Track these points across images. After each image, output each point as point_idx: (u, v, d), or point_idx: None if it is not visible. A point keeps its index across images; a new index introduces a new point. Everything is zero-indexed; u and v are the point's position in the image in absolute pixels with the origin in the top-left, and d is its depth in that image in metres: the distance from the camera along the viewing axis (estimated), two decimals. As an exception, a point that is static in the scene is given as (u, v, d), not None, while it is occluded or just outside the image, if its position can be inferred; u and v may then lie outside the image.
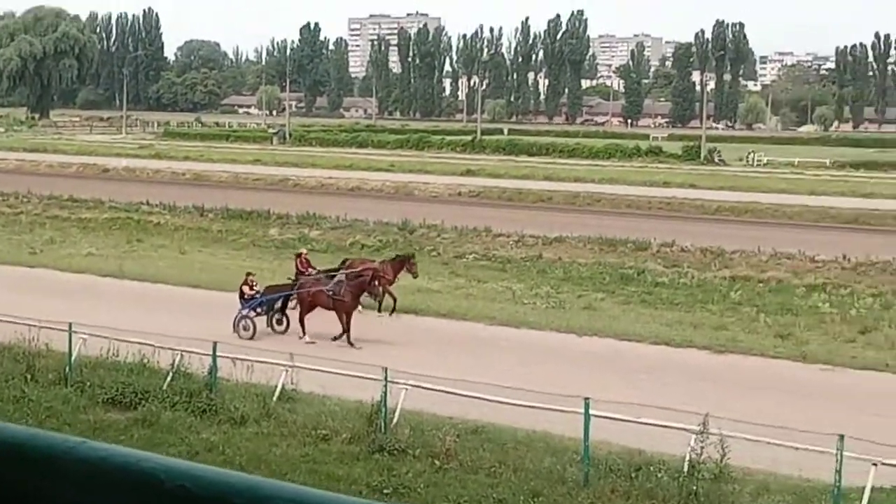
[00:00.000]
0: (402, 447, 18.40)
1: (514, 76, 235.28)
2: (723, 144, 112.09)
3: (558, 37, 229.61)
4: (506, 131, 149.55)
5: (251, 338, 26.60)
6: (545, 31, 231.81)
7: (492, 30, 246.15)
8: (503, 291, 34.14)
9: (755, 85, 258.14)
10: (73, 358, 22.34)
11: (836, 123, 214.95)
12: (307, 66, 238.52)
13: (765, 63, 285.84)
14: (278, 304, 28.05)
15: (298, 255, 31.33)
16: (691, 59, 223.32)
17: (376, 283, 27.77)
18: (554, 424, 18.82)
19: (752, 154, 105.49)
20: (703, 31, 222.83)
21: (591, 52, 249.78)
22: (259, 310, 27.74)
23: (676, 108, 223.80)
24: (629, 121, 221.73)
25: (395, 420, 19.44)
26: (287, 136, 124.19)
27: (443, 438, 18.46)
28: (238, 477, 1.21)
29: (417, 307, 30.79)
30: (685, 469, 17.05)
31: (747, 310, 31.80)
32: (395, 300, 30.17)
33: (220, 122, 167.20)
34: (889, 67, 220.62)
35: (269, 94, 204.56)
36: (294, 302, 27.96)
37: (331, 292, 27.01)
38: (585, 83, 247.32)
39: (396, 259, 31.70)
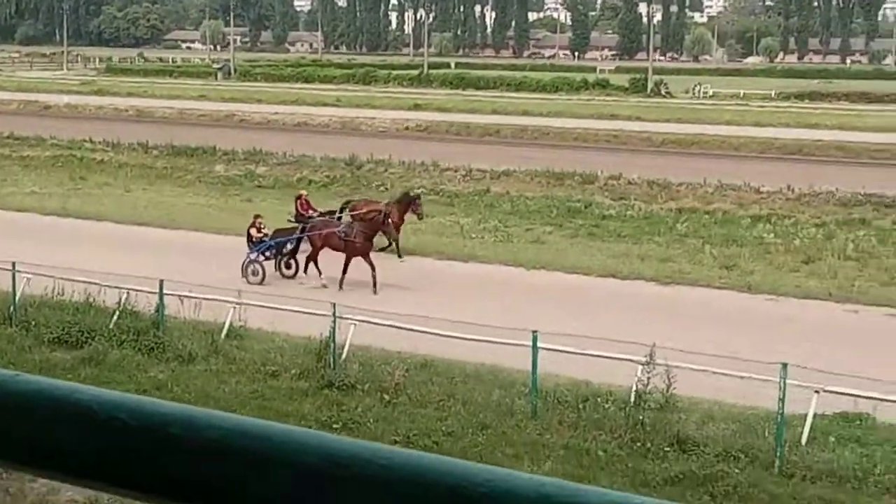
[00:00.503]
0: (351, 382, 18.47)
1: (461, 9, 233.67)
2: (669, 77, 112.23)
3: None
4: (453, 65, 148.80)
5: (261, 282, 25.77)
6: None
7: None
8: (451, 226, 34.17)
9: (701, 16, 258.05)
10: (16, 298, 22.12)
11: (781, 55, 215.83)
12: (252, 0, 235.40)
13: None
14: (288, 248, 27.14)
15: (298, 197, 29.97)
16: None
17: (390, 223, 26.98)
18: (503, 358, 18.93)
19: (698, 86, 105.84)
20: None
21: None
22: (268, 253, 26.88)
23: (623, 41, 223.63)
24: (576, 53, 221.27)
25: (343, 356, 19.49)
26: (232, 71, 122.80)
27: (392, 373, 18.55)
28: (173, 407, 1.21)
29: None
30: (632, 399, 17.26)
31: (693, 241, 32.07)
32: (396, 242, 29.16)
33: (164, 57, 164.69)
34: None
35: (213, 29, 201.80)
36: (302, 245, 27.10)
37: (343, 234, 26.27)
38: (532, 16, 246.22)
39: (402, 199, 30.43)
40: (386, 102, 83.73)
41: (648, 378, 17.20)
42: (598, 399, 17.63)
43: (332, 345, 19.30)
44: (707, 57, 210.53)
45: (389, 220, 26.92)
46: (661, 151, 56.46)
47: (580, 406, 17.40)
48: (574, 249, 31.11)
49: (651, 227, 34.21)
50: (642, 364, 17.35)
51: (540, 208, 37.63)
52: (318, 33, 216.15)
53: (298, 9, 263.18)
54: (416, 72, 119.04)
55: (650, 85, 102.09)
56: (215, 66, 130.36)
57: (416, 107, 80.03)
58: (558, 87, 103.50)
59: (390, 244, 28.92)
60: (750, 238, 32.62)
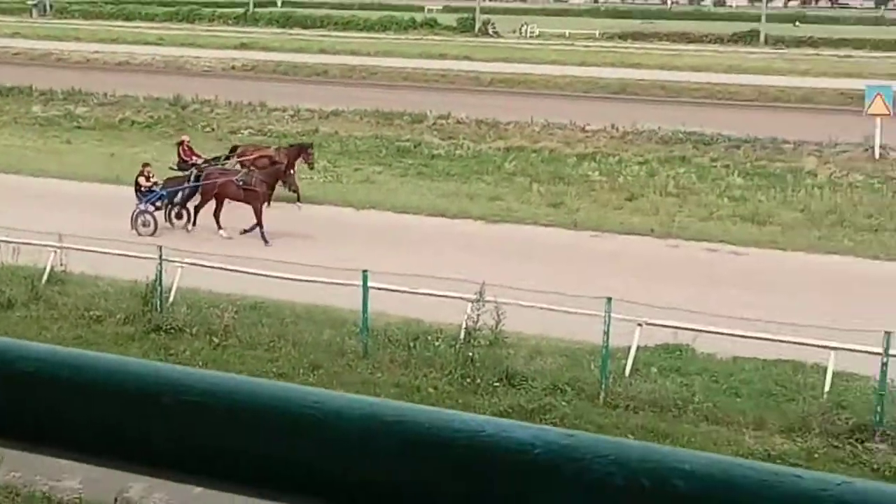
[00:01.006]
0: (178, 326, 18.21)
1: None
2: (496, 16, 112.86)
3: None
4: (279, 3, 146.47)
5: (152, 234, 24.56)
6: None
7: None
8: (279, 167, 33.84)
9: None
10: None
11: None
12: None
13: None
14: (178, 197, 25.91)
15: (180, 143, 28.79)
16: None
17: (292, 171, 26.08)
18: (334, 299, 18.92)
19: (524, 26, 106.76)
20: None
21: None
22: (158, 203, 25.62)
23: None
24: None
25: (171, 299, 19.17)
26: (48, 7, 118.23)
27: (221, 315, 18.35)
28: None
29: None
30: (462, 337, 17.48)
31: (521, 180, 32.52)
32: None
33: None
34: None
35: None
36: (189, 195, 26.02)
37: (241, 182, 25.13)
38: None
39: (293, 147, 29.34)
40: (211, 41, 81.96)
41: (478, 315, 17.43)
42: (429, 337, 17.81)
43: (158, 288, 18.95)
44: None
45: (293, 168, 26.17)
46: (489, 91, 56.87)
47: (411, 344, 17.54)
48: (404, 189, 31.19)
49: (480, 167, 34.53)
50: (472, 301, 17.55)
51: (369, 148, 37.56)
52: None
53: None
54: (241, 10, 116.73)
55: (478, 25, 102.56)
56: (30, 2, 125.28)
57: (242, 46, 78.53)
58: (386, 26, 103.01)
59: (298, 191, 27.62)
60: (576, 176, 33.24)
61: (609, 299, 16.40)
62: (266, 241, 24.25)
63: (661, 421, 15.27)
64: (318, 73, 63.18)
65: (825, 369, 15.98)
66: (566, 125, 41.71)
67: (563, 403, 15.71)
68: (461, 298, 17.79)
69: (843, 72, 64.40)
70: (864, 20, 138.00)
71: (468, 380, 16.46)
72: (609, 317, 16.31)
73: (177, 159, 28.25)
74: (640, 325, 16.87)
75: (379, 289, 17.98)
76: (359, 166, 34.40)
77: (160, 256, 19.12)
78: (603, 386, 16.02)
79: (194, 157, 28.17)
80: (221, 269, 19.50)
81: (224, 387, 1.11)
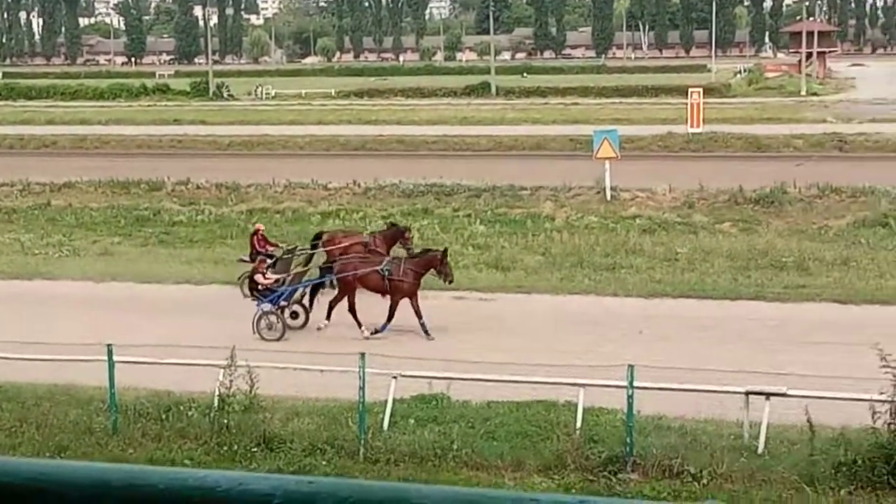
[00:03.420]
0: None
1: (5, 15, 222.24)
2: (230, 79, 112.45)
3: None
4: (0, 74, 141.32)
5: (279, 338, 21.89)
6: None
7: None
8: (11, 243, 32.48)
9: (258, 18, 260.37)
10: None
11: (338, 54, 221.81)
12: None
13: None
14: (300, 293, 23.35)
15: (254, 233, 26.45)
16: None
17: (447, 260, 22.92)
18: (78, 375, 18.22)
19: (259, 87, 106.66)
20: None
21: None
22: (285, 302, 22.85)
23: (181, 45, 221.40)
24: (133, 59, 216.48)
25: None
26: None
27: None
28: None
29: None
30: (215, 404, 17.12)
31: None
32: None
33: None
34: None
35: None
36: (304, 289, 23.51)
37: (387, 272, 22.53)
38: (84, 21, 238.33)
39: (388, 230, 26.63)
40: (-72, 117, 78.07)
41: (231, 380, 17.11)
42: (182, 407, 17.36)
43: None
44: (266, 58, 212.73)
45: (446, 257, 22.99)
46: (228, 154, 56.37)
47: (163, 416, 17.06)
48: (145, 258, 30.46)
49: (223, 231, 34.14)
50: (223, 367, 17.23)
51: (106, 219, 36.53)
52: None
53: None
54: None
55: (212, 88, 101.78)
56: None
57: (-37, 120, 75.23)
58: (116, 94, 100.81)
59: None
60: (321, 234, 33.27)
61: (362, 354, 16.43)
62: (427, 334, 21.93)
63: (421, 471, 15.36)
64: (47, 145, 61.10)
65: (576, 406, 16.45)
66: (308, 184, 41.76)
67: (324, 463, 15.60)
68: (211, 365, 17.44)
69: (571, 118, 67.21)
70: (586, 69, 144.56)
71: (225, 447, 16.14)
72: (363, 372, 16.33)
73: (249, 250, 26.17)
74: (394, 377, 16.96)
75: (125, 362, 17.42)
76: (97, 238, 33.40)
77: None
78: (362, 442, 16.00)
79: (269, 247, 25.96)
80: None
81: None
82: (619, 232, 32.48)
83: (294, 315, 23.09)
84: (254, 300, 22.66)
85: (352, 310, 22.37)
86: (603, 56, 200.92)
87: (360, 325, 22.21)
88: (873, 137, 52.10)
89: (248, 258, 25.74)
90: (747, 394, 15.88)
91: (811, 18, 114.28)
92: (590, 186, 38.73)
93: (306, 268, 24.71)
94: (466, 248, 30.88)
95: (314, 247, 26.20)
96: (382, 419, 16.70)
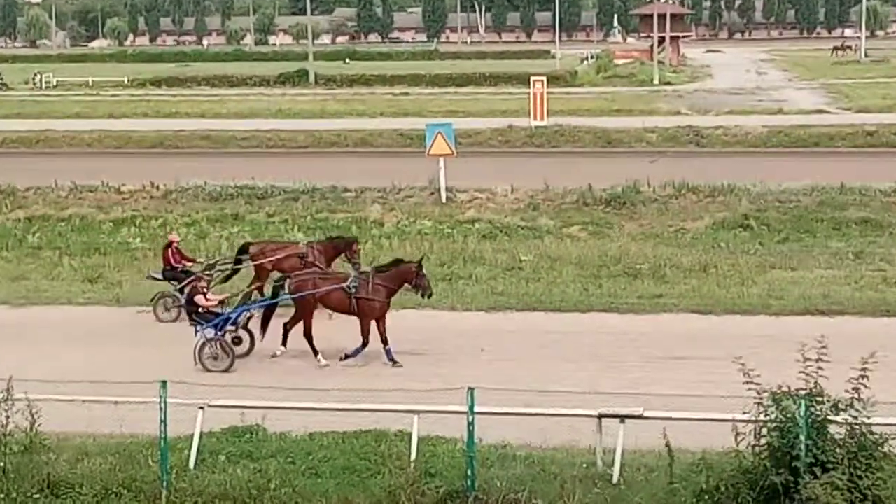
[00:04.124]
0: None
1: None
2: (4, 65, 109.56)
3: None
4: None
5: (227, 368, 21.33)
6: None
7: None
8: None
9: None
10: None
11: (130, 37, 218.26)
12: None
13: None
14: (245, 317, 22.53)
15: (168, 246, 25.53)
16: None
17: (423, 272, 22.33)
18: None
19: (38, 75, 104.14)
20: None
21: None
22: (232, 326, 22.08)
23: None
24: None
25: None
26: None
27: None
28: None
29: None
30: (-10, 445, 16.58)
31: (49, 254, 31.62)
32: None
33: None
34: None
35: None
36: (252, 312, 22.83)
37: (352, 289, 21.92)
38: None
39: (330, 242, 26.12)
40: None
41: (7, 417, 16.57)
42: (-52, 450, 16.73)
43: None
44: (46, 42, 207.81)
45: (422, 269, 22.45)
46: (1, 153, 54.80)
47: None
48: None
49: (-6, 242, 33.20)
50: (-1, 402, 16.67)
51: None
52: None
53: None
54: None
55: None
56: None
57: None
58: None
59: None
60: (114, 245, 32.71)
61: (164, 383, 16.11)
62: (394, 362, 21.59)
63: (237, 515, 15.18)
64: None
65: (410, 435, 16.48)
66: (98, 187, 40.90)
67: (121, 510, 15.27)
68: (-15, 399, 16.86)
69: (400, 110, 67.55)
70: (417, 54, 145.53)
71: (2, 495, 15.63)
72: (165, 403, 16.02)
73: (162, 265, 25.26)
74: (201, 408, 16.71)
75: None
76: None
77: None
78: (165, 483, 15.71)
79: (185, 262, 25.31)
80: None
81: None
82: (455, 238, 32.71)
83: (237, 340, 22.36)
84: (192, 325, 22.00)
85: (308, 334, 21.90)
86: (435, 40, 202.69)
87: (315, 352, 21.83)
88: (731, 130, 53.74)
89: (159, 275, 25.34)
90: (600, 417, 16.14)
91: (663, 0, 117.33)
92: (422, 187, 38.95)
93: (252, 287, 24.42)
94: (283, 258, 30.72)
95: (238, 261, 25.87)
96: (188, 456, 16.43)
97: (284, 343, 22.21)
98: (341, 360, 21.88)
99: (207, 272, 24.91)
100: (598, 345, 22.26)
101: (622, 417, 16.07)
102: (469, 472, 15.48)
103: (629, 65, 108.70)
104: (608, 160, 47.12)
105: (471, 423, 15.56)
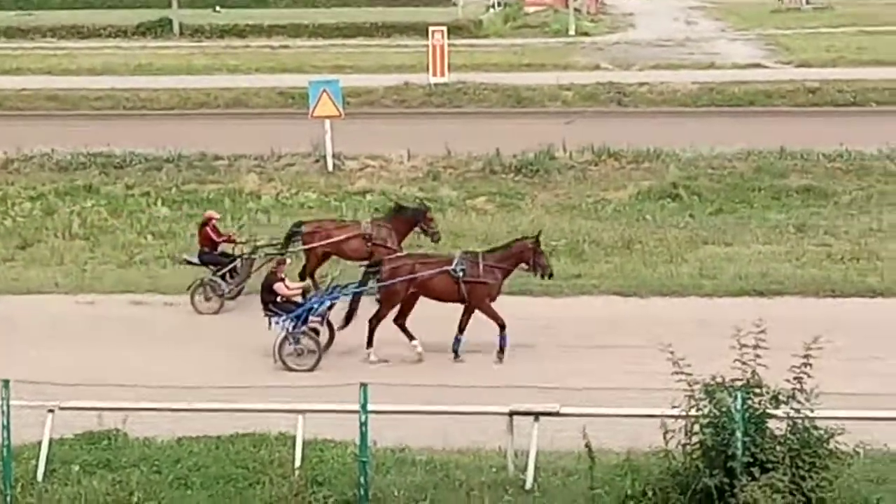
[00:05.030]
0: None
1: None
2: None
3: None
4: None
5: (313, 367, 21.28)
6: None
7: None
8: None
9: None
10: None
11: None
12: None
13: None
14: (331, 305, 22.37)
15: (205, 223, 25.32)
16: None
17: (541, 249, 22.34)
18: None
19: None
20: None
21: None
22: (317, 318, 21.99)
23: None
24: None
25: None
26: None
27: None
28: None
29: None
30: None
31: None
32: None
33: None
34: None
35: None
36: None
37: (461, 273, 21.75)
38: None
39: (399, 214, 25.97)
40: None
41: None
42: None
43: None
44: None
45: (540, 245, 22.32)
46: None
47: None
48: None
49: None
50: None
51: None
52: None
53: None
54: None
55: None
56: None
57: None
58: None
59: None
60: (-58, 223, 32.22)
61: (6, 382, 15.90)
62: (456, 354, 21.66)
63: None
64: None
65: (294, 439, 16.43)
66: (-79, 158, 40.11)
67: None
68: None
69: (279, 66, 67.09)
70: (298, 2, 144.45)
71: None
72: (8, 405, 15.82)
73: (200, 245, 25.11)
74: (51, 411, 16.53)
75: None
76: None
77: None
78: (9, 498, 15.54)
79: (223, 242, 25.22)
80: None
81: None
82: (344, 212, 32.66)
83: (314, 332, 22.23)
84: (267, 316, 21.93)
85: (401, 322, 21.98)
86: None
87: (411, 338, 21.90)
88: (657, 88, 54.08)
89: (194, 258, 25.28)
90: (511, 415, 16.23)
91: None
92: (306, 154, 38.78)
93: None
94: (144, 236, 30.59)
95: (287, 242, 25.50)
96: (36, 466, 16.25)
97: (370, 342, 21.93)
98: (498, 355, 21.70)
99: (251, 255, 24.90)
100: (508, 332, 22.34)
101: (536, 415, 16.17)
102: (362, 480, 15.49)
103: (541, 13, 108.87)
104: (518, 122, 47.22)
105: (363, 424, 15.56)
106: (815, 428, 14.44)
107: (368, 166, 37.98)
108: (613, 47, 78.20)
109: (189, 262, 25.63)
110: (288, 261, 23.43)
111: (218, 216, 26.56)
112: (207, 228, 25.31)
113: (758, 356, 14.55)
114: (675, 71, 60.73)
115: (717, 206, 33.12)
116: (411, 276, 21.87)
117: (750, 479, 14.03)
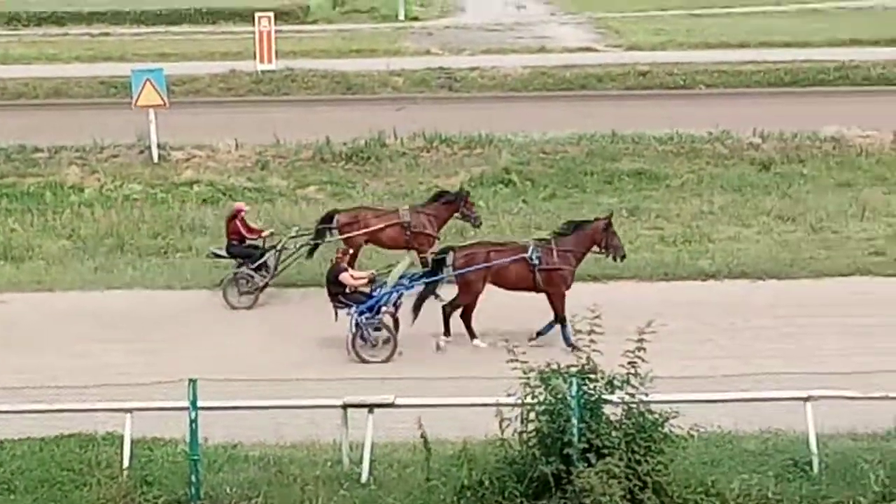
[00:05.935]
0: None
1: None
2: None
3: None
4: None
5: (389, 357, 21.15)
6: None
7: None
8: None
9: None
10: None
11: None
12: None
13: None
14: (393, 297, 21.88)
15: (234, 216, 24.72)
16: None
17: (613, 231, 22.18)
18: None
19: None
20: None
21: None
22: (392, 308, 21.83)
23: None
24: None
25: None
26: None
27: None
28: None
29: None
30: None
31: None
32: None
33: None
34: None
35: None
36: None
37: (536, 260, 21.40)
38: None
39: (439, 199, 25.52)
40: None
41: None
42: None
43: None
44: None
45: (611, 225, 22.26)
46: None
47: None
48: None
49: None
50: None
51: None
52: None
53: None
54: None
55: None
56: None
57: None
58: None
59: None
60: None
61: None
62: (571, 346, 19.79)
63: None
64: None
65: (122, 438, 16.24)
66: None
67: None
68: None
69: (101, 54, 66.13)
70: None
71: None
72: None
73: (227, 240, 24.84)
74: None
75: None
76: None
77: None
78: None
79: (253, 234, 24.81)
80: None
81: None
82: (171, 204, 32.38)
83: (377, 326, 21.93)
84: (336, 308, 21.78)
85: (466, 316, 21.82)
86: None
87: (472, 335, 21.74)
88: (488, 73, 54.38)
89: (222, 251, 24.92)
90: (345, 407, 16.23)
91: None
92: (130, 144, 38.25)
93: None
94: (-42, 233, 29.94)
95: (320, 232, 25.16)
96: None
97: (447, 331, 21.83)
98: (531, 339, 21.01)
99: (282, 247, 24.85)
100: (338, 324, 22.25)
101: (370, 406, 16.21)
102: (193, 478, 15.39)
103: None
104: (348, 109, 47.15)
105: (193, 421, 15.46)
106: (650, 412, 14.65)
107: (195, 156, 37.57)
108: (444, 32, 78.41)
109: (217, 256, 25.29)
110: (350, 251, 23.11)
111: (247, 208, 26.07)
112: (236, 221, 24.95)
113: (592, 342, 14.74)
114: (506, 55, 61.10)
115: (551, 192, 33.41)
116: (486, 264, 21.85)
117: (586, 465, 14.17)
